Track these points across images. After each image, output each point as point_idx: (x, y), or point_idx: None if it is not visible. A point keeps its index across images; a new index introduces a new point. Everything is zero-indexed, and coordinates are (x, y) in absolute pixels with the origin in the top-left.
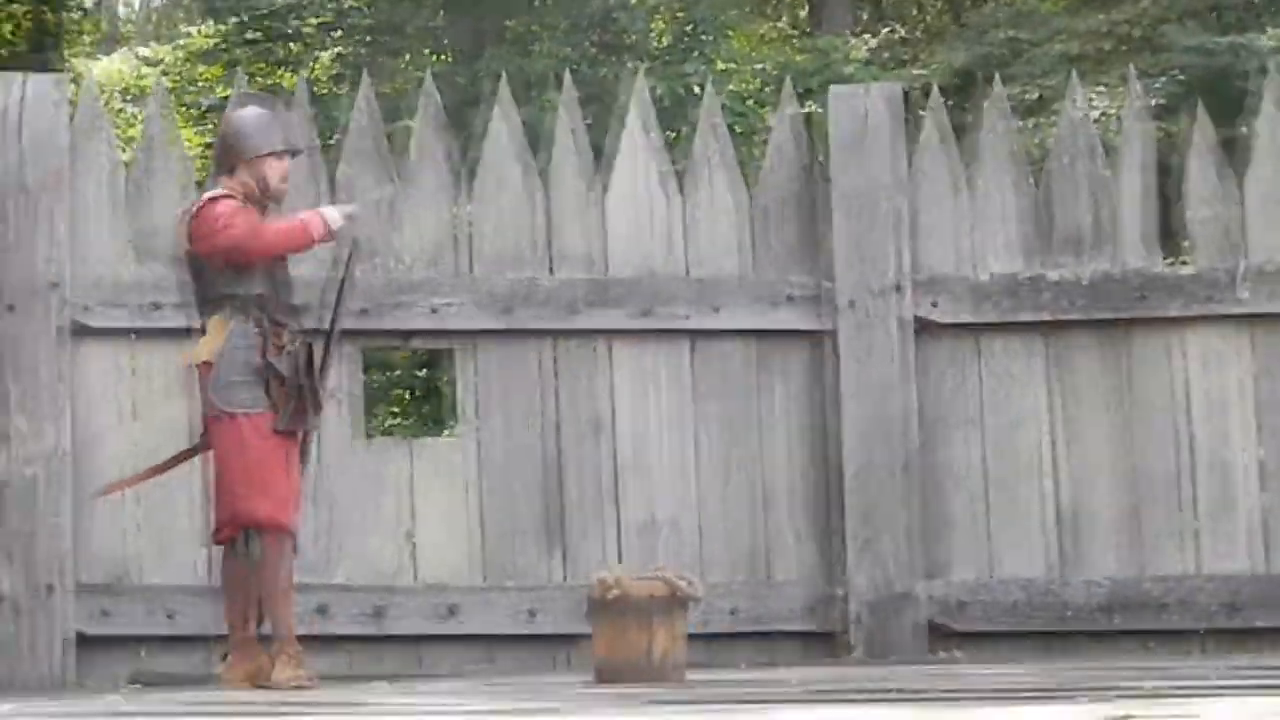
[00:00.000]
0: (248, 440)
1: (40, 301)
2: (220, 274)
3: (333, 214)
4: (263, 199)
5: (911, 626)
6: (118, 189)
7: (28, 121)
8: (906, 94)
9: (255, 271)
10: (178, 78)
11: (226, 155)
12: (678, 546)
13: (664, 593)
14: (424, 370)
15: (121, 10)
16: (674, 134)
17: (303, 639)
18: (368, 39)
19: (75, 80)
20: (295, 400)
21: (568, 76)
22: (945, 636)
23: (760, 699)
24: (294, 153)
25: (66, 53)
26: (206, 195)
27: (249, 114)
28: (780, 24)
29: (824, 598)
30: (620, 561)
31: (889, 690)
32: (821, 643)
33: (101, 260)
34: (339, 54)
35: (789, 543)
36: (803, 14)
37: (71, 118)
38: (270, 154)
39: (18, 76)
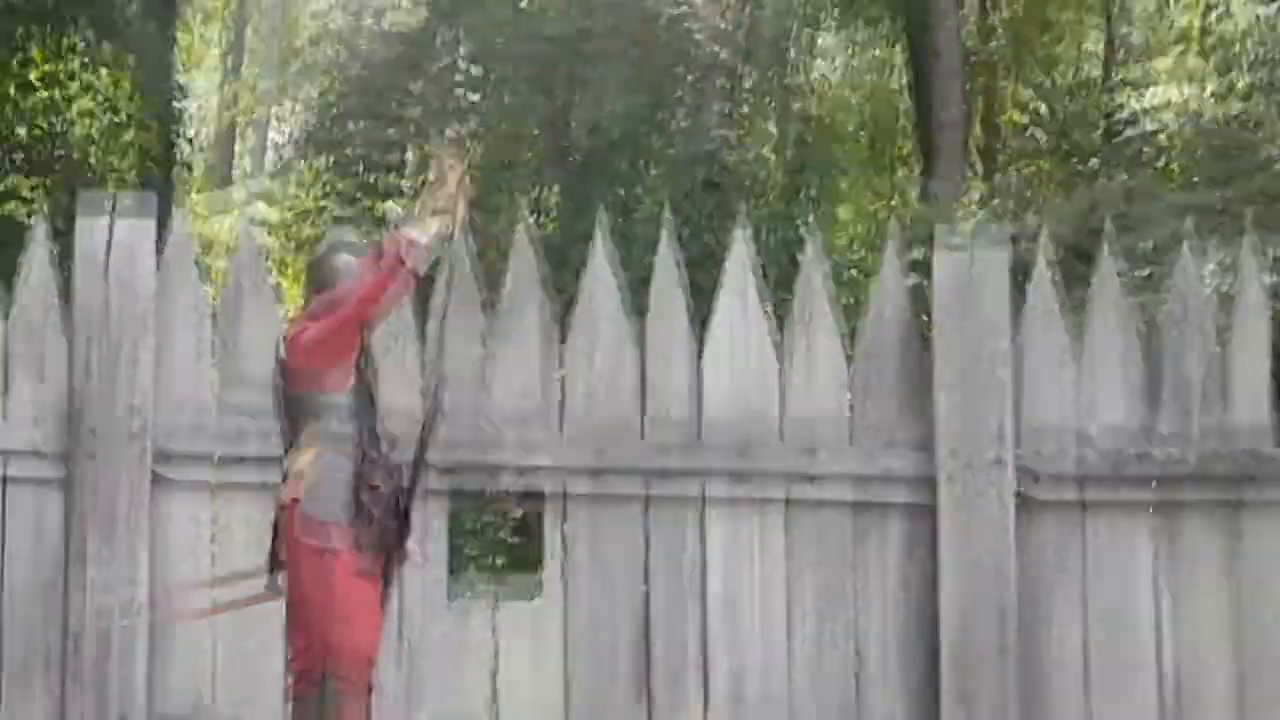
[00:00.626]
0: (333, 579)
1: (121, 450)
2: (312, 410)
3: (405, 232)
4: None
5: None
6: (203, 337)
7: (114, 266)
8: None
9: (346, 412)
10: (284, 237)
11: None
12: (769, 718)
13: None
14: (515, 537)
15: (234, 173)
16: (781, 293)
17: None
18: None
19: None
20: (382, 542)
21: (664, 233)
22: None
23: None
24: None
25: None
26: (294, 329)
27: (337, 260)
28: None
29: None
30: None
31: None
32: None
33: (184, 409)
34: None
35: None
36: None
37: (159, 264)
38: None
39: (105, 220)
